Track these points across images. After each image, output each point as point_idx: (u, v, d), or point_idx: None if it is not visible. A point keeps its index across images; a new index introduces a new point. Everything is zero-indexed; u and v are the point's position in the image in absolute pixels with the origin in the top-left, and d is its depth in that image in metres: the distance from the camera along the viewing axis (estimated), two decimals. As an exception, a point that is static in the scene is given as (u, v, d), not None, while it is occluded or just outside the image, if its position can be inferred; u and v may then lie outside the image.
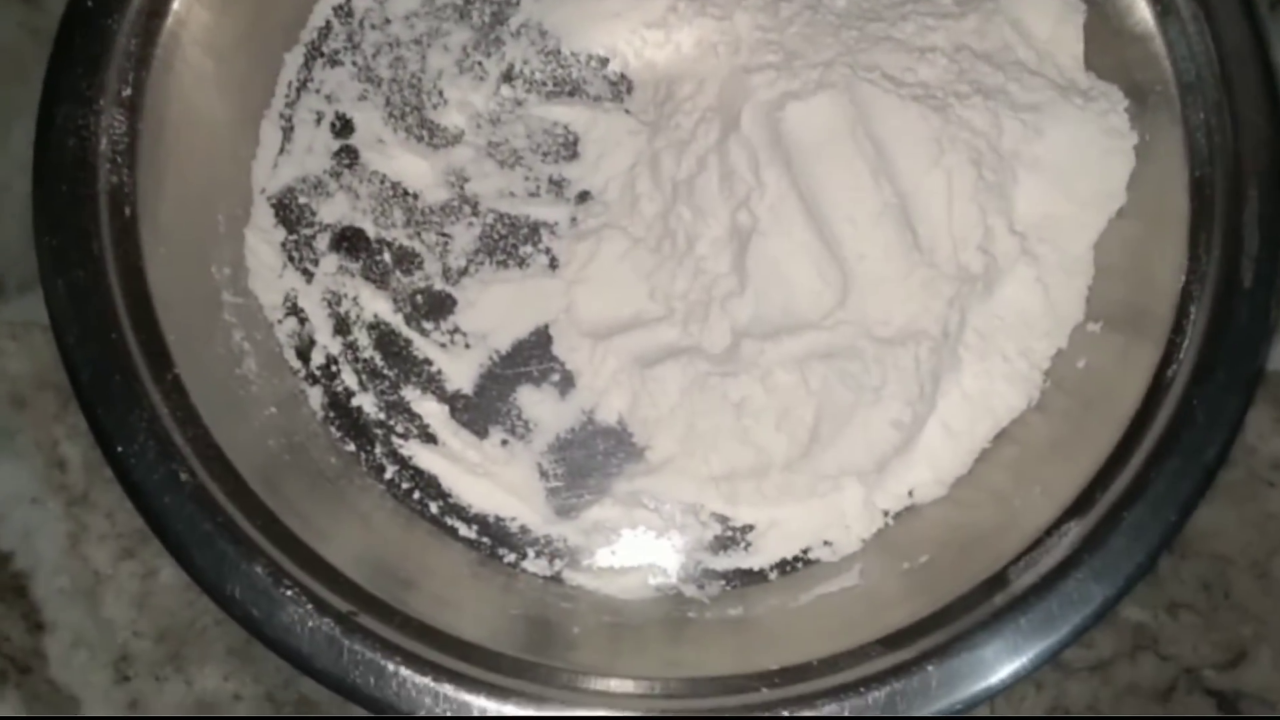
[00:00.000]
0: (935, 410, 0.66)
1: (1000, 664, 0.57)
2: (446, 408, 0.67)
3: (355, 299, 0.68)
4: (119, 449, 0.58)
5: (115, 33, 0.62)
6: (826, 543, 0.66)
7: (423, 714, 0.55)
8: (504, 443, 0.67)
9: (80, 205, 0.60)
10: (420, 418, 0.67)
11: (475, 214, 0.70)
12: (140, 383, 0.59)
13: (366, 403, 0.67)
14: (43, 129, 0.61)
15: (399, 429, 0.67)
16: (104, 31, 0.62)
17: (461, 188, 0.70)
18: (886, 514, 0.66)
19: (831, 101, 0.65)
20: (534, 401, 0.68)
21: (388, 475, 0.66)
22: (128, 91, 0.62)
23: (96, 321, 0.59)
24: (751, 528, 0.66)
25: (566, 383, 0.68)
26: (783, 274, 0.65)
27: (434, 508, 0.66)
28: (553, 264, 0.69)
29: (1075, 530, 0.59)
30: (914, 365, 0.64)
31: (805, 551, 0.66)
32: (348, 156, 0.70)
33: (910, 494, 0.66)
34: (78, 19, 0.62)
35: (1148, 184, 0.66)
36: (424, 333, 0.68)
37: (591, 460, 0.67)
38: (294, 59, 0.70)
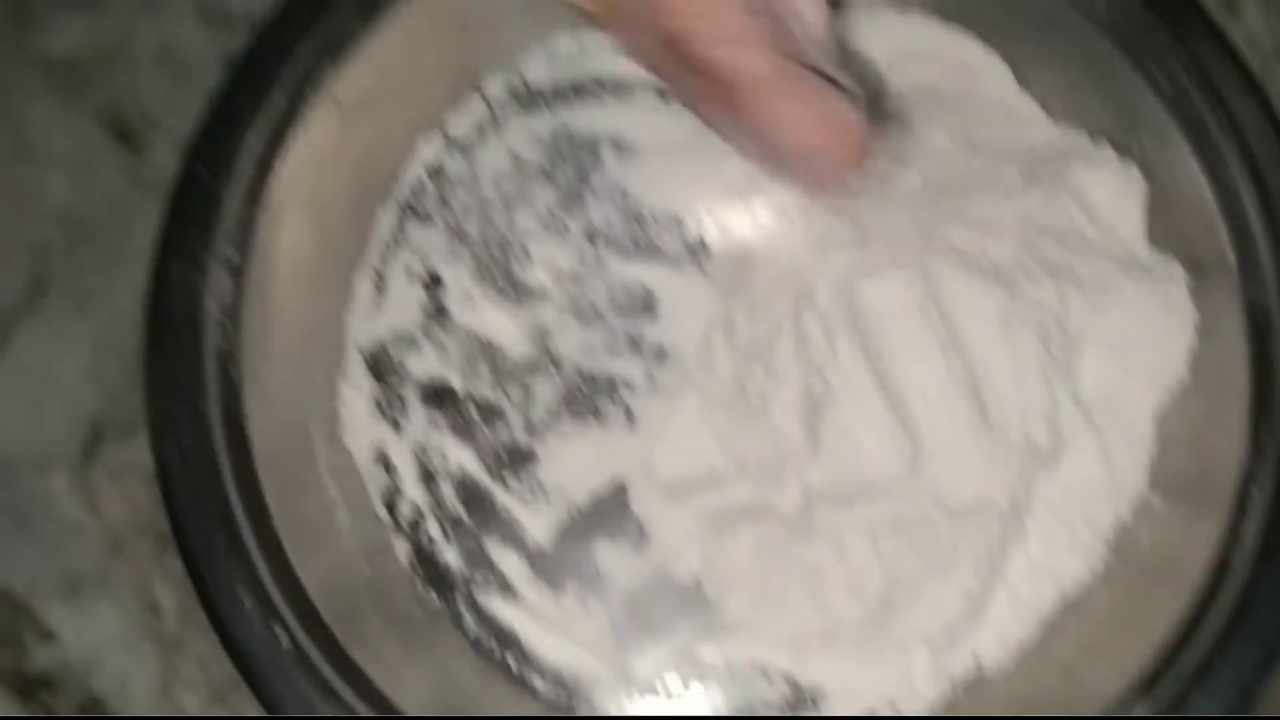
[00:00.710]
0: (1003, 579, 0.67)
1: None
2: (526, 561, 0.69)
3: (442, 451, 0.71)
4: (220, 607, 0.60)
5: (226, 197, 0.65)
6: (893, 706, 0.68)
7: None
8: (580, 598, 0.69)
9: (189, 365, 0.63)
10: (501, 571, 0.69)
11: (557, 369, 0.72)
12: (242, 543, 0.61)
13: (450, 555, 0.69)
14: (156, 288, 0.63)
15: (480, 581, 0.69)
16: (216, 196, 0.65)
17: (545, 343, 0.72)
18: (954, 681, 0.68)
19: (904, 279, 0.67)
20: (610, 557, 0.70)
21: (467, 626, 0.68)
22: (236, 256, 0.65)
23: (203, 482, 0.61)
24: (819, 688, 0.68)
25: (642, 539, 0.70)
26: (855, 441, 0.67)
27: (510, 659, 0.68)
28: (630, 420, 0.71)
29: (1141, 709, 0.61)
30: (983, 537, 0.66)
31: (870, 711, 0.68)
32: (437, 312, 0.72)
33: (978, 663, 0.68)
34: (192, 183, 0.65)
35: (1208, 360, 0.68)
36: (506, 486, 0.70)
37: (665, 617, 0.69)
38: (388, 215, 0.73)
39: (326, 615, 0.62)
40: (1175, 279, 0.70)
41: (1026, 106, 0.74)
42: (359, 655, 0.62)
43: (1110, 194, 0.71)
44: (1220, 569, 0.63)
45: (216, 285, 0.64)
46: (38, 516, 0.69)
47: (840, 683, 0.68)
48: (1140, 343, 0.69)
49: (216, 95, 0.65)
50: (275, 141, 0.66)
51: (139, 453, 0.63)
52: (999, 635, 0.68)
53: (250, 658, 0.60)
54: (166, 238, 0.63)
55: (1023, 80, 0.75)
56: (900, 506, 0.66)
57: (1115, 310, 0.68)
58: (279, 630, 0.60)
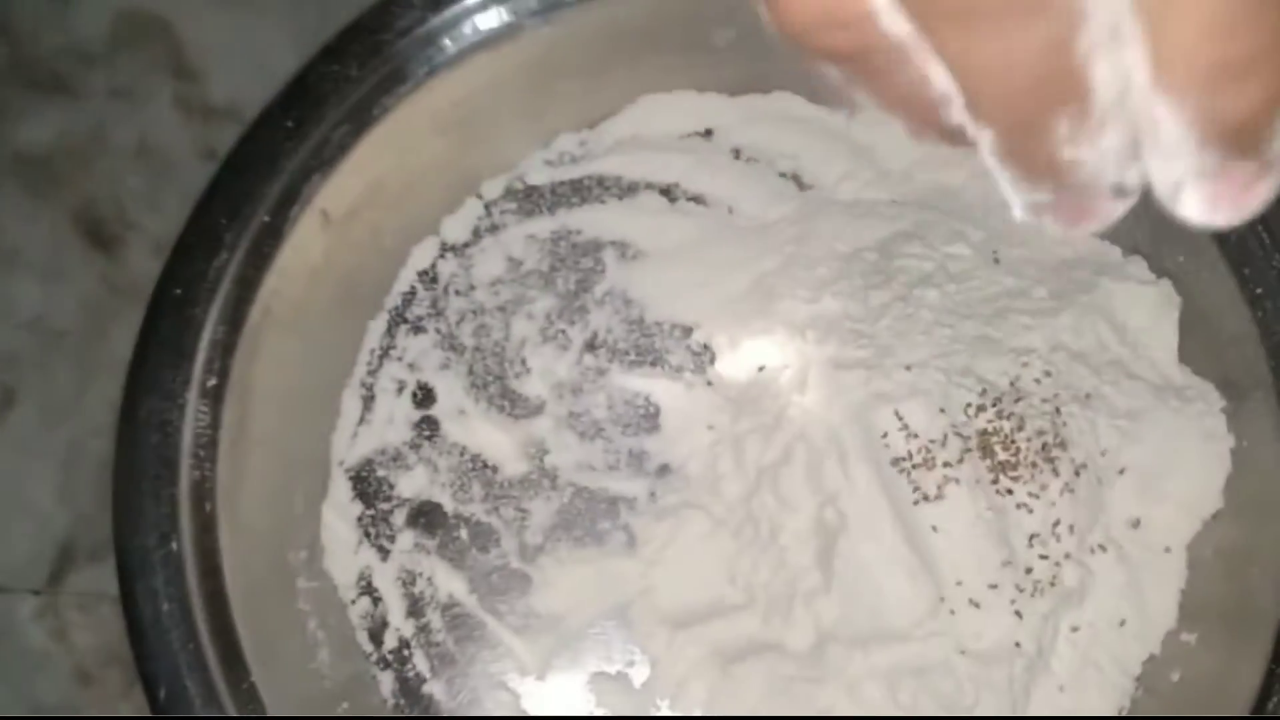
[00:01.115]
0: (1026, 723, 0.64)
1: None
2: (518, 697, 0.66)
3: (430, 578, 0.67)
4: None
5: (203, 321, 0.61)
6: None
7: None
8: (577, 735, 0.65)
9: (161, 505, 0.59)
10: (491, 708, 0.66)
11: (554, 488, 0.68)
12: (214, 689, 0.57)
13: (438, 690, 0.66)
14: (125, 425, 0.60)
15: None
16: (192, 321, 0.61)
17: (541, 460, 0.69)
18: (973, 828, 0.64)
19: (924, 407, 0.63)
20: (608, 690, 0.66)
21: (458, 770, 0.65)
22: (212, 381, 0.61)
23: (175, 632, 0.57)
24: (831, 837, 0.64)
25: (642, 670, 0.66)
26: (871, 578, 0.63)
27: (504, 805, 0.64)
28: (631, 542, 0.68)
29: None
30: (1008, 683, 0.62)
31: None
32: (428, 427, 0.69)
33: (997, 806, 0.64)
34: (165, 307, 0.61)
35: (1245, 488, 0.65)
36: (498, 615, 0.67)
37: (667, 756, 0.65)
38: (377, 326, 0.70)
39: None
40: (1210, 403, 0.66)
41: (1054, 217, 0.70)
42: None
43: (1143, 313, 0.67)
44: (1262, 707, 0.59)
45: (191, 415, 0.60)
46: (2, 645, 0.65)
47: (852, 832, 0.64)
48: (1174, 473, 0.65)
49: (193, 210, 0.61)
50: (257, 258, 0.62)
51: (109, 578, 0.59)
52: (1022, 780, 0.64)
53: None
54: (136, 370, 0.60)
55: (1051, 190, 0.71)
56: (919, 651, 0.62)
57: (1148, 439, 0.65)
58: (254, 788, 0.56)
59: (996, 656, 0.62)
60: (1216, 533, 0.65)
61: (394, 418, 0.69)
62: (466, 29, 0.64)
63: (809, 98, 0.73)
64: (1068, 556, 0.63)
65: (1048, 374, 0.64)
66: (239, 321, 0.62)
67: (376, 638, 0.66)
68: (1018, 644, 0.62)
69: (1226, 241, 0.65)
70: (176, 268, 0.61)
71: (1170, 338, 0.68)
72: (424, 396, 0.69)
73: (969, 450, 0.63)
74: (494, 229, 0.71)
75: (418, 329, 0.70)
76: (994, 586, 0.62)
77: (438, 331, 0.70)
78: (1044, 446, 0.63)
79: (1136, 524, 0.65)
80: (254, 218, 0.62)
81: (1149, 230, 0.68)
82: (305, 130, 0.63)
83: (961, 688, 0.62)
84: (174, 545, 0.58)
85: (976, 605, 0.62)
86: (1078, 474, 0.63)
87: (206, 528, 0.60)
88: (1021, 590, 0.62)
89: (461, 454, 0.69)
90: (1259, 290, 0.64)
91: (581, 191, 0.72)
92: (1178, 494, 0.65)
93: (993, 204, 0.70)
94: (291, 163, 0.63)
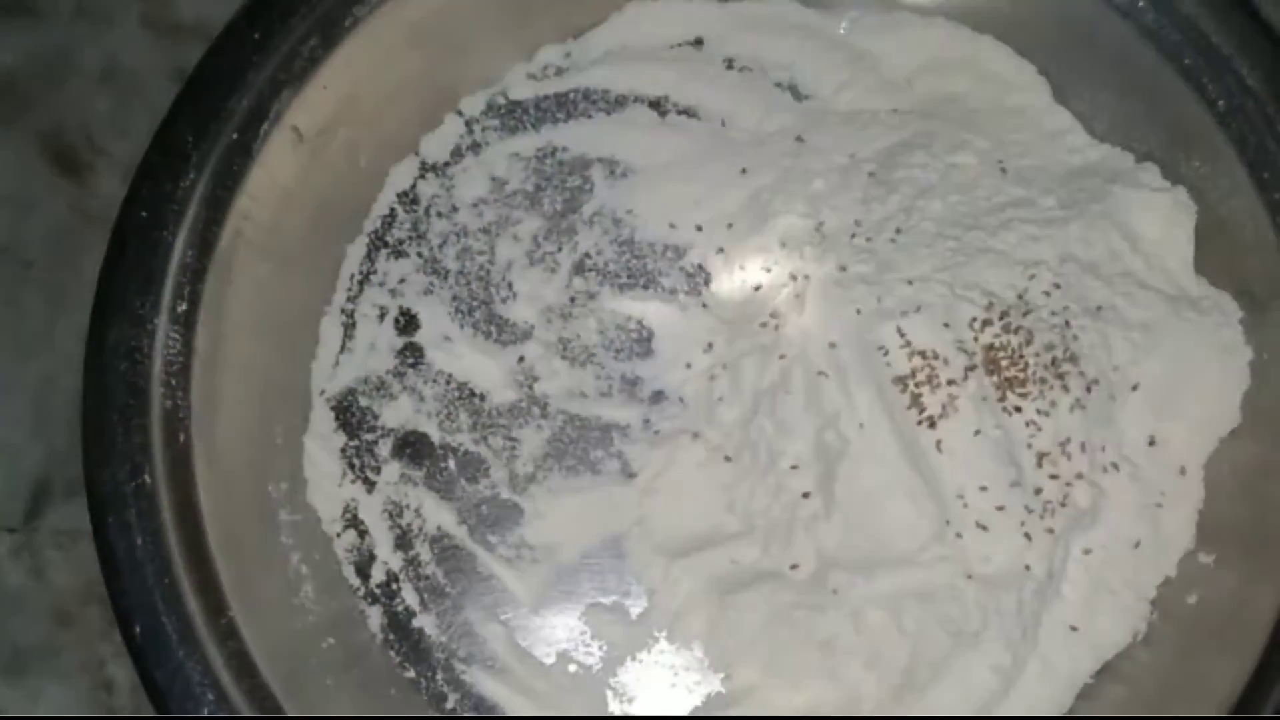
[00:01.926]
0: (1036, 649, 0.61)
1: None
2: (511, 630, 0.64)
3: (418, 510, 0.65)
4: (169, 700, 0.55)
5: (171, 245, 0.58)
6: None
7: None
8: (571, 669, 0.63)
9: (132, 436, 0.57)
10: (484, 640, 0.64)
11: (544, 416, 0.66)
12: (192, 627, 0.56)
13: (428, 624, 0.64)
14: (93, 354, 0.57)
15: (461, 653, 0.63)
16: (160, 244, 0.58)
17: (530, 387, 0.66)
18: (979, 755, 0.62)
19: (927, 323, 0.61)
20: (604, 623, 0.64)
21: (449, 705, 0.63)
22: (183, 306, 0.58)
23: (150, 569, 0.55)
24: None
25: (639, 601, 0.64)
26: (874, 502, 0.61)
27: (497, 740, 0.63)
28: (625, 471, 0.65)
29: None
30: (1016, 608, 0.60)
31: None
32: (412, 355, 0.66)
33: (1007, 734, 0.62)
34: (131, 231, 0.58)
35: (1264, 402, 0.62)
36: (489, 547, 0.64)
37: (665, 688, 0.63)
38: (357, 250, 0.67)
39: (287, 701, 0.56)
40: (1228, 314, 0.63)
41: (1065, 123, 0.67)
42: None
43: (1157, 222, 0.64)
44: (1280, 637, 0.57)
45: (162, 341, 0.58)
46: (-23, 586, 0.64)
47: (857, 759, 0.62)
48: (1190, 387, 0.62)
49: (158, 130, 0.58)
50: (226, 179, 0.59)
51: (86, 515, 0.57)
52: (1030, 707, 0.62)
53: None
54: (103, 293, 0.57)
55: (1061, 95, 0.68)
56: (925, 576, 0.60)
57: (1163, 353, 0.62)
58: (234, 726, 0.55)
59: (1005, 580, 0.60)
60: (1234, 449, 0.63)
61: (376, 345, 0.66)
62: (441, -67, 0.61)
63: (804, 2, 0.69)
64: (1079, 476, 0.61)
65: (1057, 286, 0.62)
66: (209, 245, 0.59)
67: (363, 572, 0.64)
68: (1027, 567, 0.60)
69: (1245, 145, 0.62)
70: (142, 190, 0.58)
71: (1185, 247, 0.65)
72: (407, 323, 0.66)
73: (974, 367, 0.60)
74: (476, 147, 0.68)
75: (399, 253, 0.67)
76: (1001, 508, 0.60)
77: (420, 255, 0.67)
78: (1053, 361, 0.61)
79: (1151, 442, 0.62)
80: (222, 136, 0.59)
81: (1163, 135, 0.65)
82: (273, 43, 0.60)
83: (969, 613, 0.59)
84: (146, 477, 0.56)
85: (984, 528, 0.60)
86: (1089, 390, 0.61)
87: (181, 460, 0.57)
88: (1031, 511, 0.60)
89: (447, 382, 0.66)
90: (1279, 195, 0.61)
91: (567, 106, 0.69)
92: (1194, 410, 0.63)
93: (1000, 111, 0.67)
94: (259, 78, 0.60)
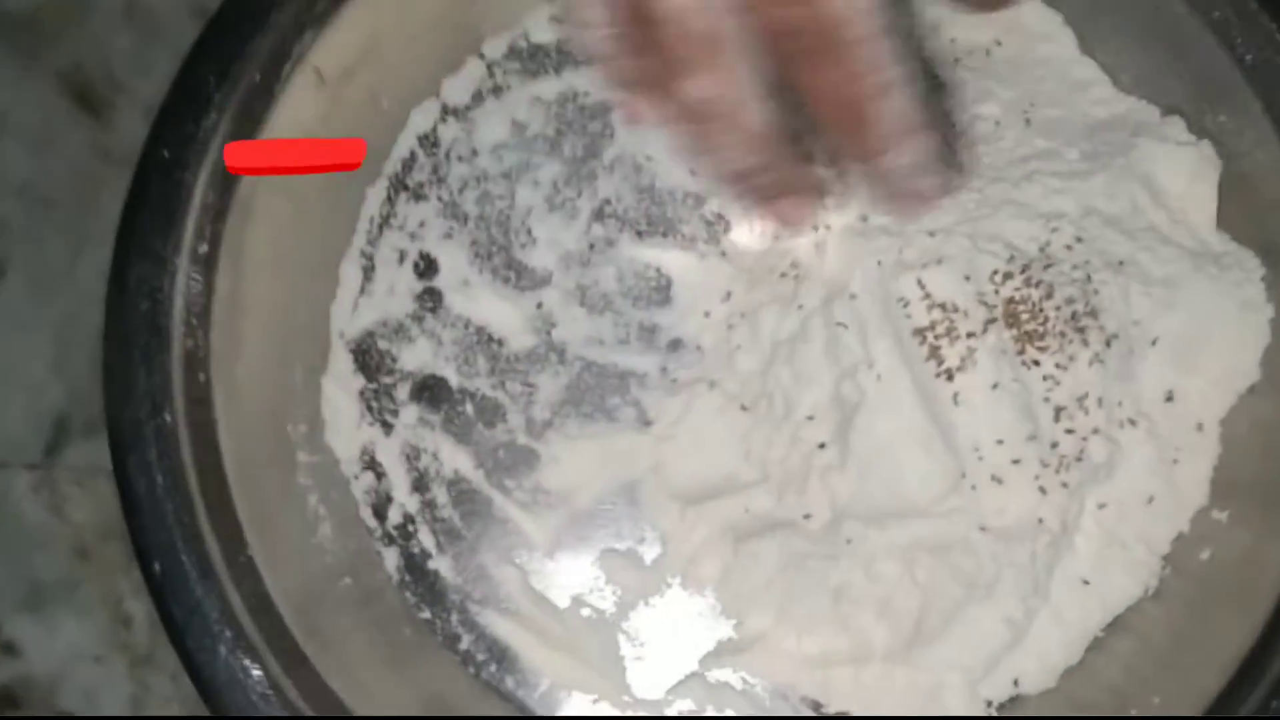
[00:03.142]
0: (1048, 601, 0.62)
1: None
2: (525, 573, 0.64)
3: (435, 453, 0.65)
4: (186, 636, 0.55)
5: (193, 185, 0.58)
6: (925, 733, 0.62)
7: None
8: (584, 613, 0.64)
9: (153, 376, 0.57)
10: (499, 583, 0.64)
11: (562, 362, 0.66)
12: (211, 565, 0.56)
13: (443, 566, 0.64)
14: (114, 292, 0.57)
15: (476, 595, 0.64)
16: (181, 184, 0.58)
17: (548, 334, 0.66)
18: (990, 704, 0.63)
19: (948, 275, 0.61)
20: (618, 568, 0.64)
21: (463, 646, 0.63)
22: (204, 247, 0.58)
23: (169, 505, 0.56)
24: (845, 715, 0.63)
25: (653, 549, 0.64)
26: (890, 454, 0.61)
27: (510, 682, 0.63)
28: (641, 418, 0.65)
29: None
30: (1030, 561, 0.60)
31: (899, 738, 0.63)
32: (431, 299, 0.66)
33: (1016, 683, 0.62)
34: (152, 170, 0.58)
35: (1284, 358, 0.62)
36: (505, 491, 0.65)
37: (677, 633, 0.64)
38: (376, 193, 0.67)
39: (303, 639, 0.57)
40: (1249, 271, 0.63)
41: (1091, 75, 0.67)
42: (338, 683, 0.57)
43: (1182, 176, 0.64)
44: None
45: (183, 282, 0.58)
46: (-1, 521, 0.64)
47: (866, 707, 0.63)
48: (1209, 343, 0.62)
49: (180, 69, 0.58)
50: (248, 120, 0.59)
51: (106, 452, 0.57)
52: (1040, 658, 0.62)
53: (218, 693, 0.55)
54: (124, 233, 0.57)
55: (1086, 46, 0.67)
56: (938, 528, 0.60)
57: (1183, 308, 0.61)
58: (250, 663, 0.55)
59: (1019, 533, 0.60)
60: (1252, 406, 0.62)
61: (395, 288, 0.66)
62: None
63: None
64: (1096, 431, 0.61)
65: (1079, 240, 0.61)
66: (230, 186, 0.59)
67: (380, 513, 0.64)
68: (1041, 520, 0.60)
69: (1272, 100, 0.61)
70: (164, 129, 0.58)
71: (1209, 202, 0.64)
72: (426, 267, 0.67)
73: (994, 320, 0.60)
74: (497, 90, 0.68)
75: (419, 196, 0.67)
76: (1017, 461, 0.60)
77: (439, 199, 0.67)
78: (1073, 315, 0.60)
79: (1169, 397, 0.62)
80: (244, 77, 0.59)
81: (1189, 88, 0.64)
82: (293, -19, 0.60)
83: (982, 565, 0.60)
84: (167, 416, 0.56)
85: (999, 481, 0.60)
86: (1108, 344, 0.61)
87: (201, 399, 0.58)
88: (1046, 465, 0.60)
89: (466, 327, 0.66)
90: (1306, 150, 0.61)
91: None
92: (1213, 366, 0.62)
93: (1025, 61, 0.67)
94: (282, 18, 0.59)
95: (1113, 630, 0.63)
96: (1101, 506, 0.62)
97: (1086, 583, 0.62)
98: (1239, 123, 0.63)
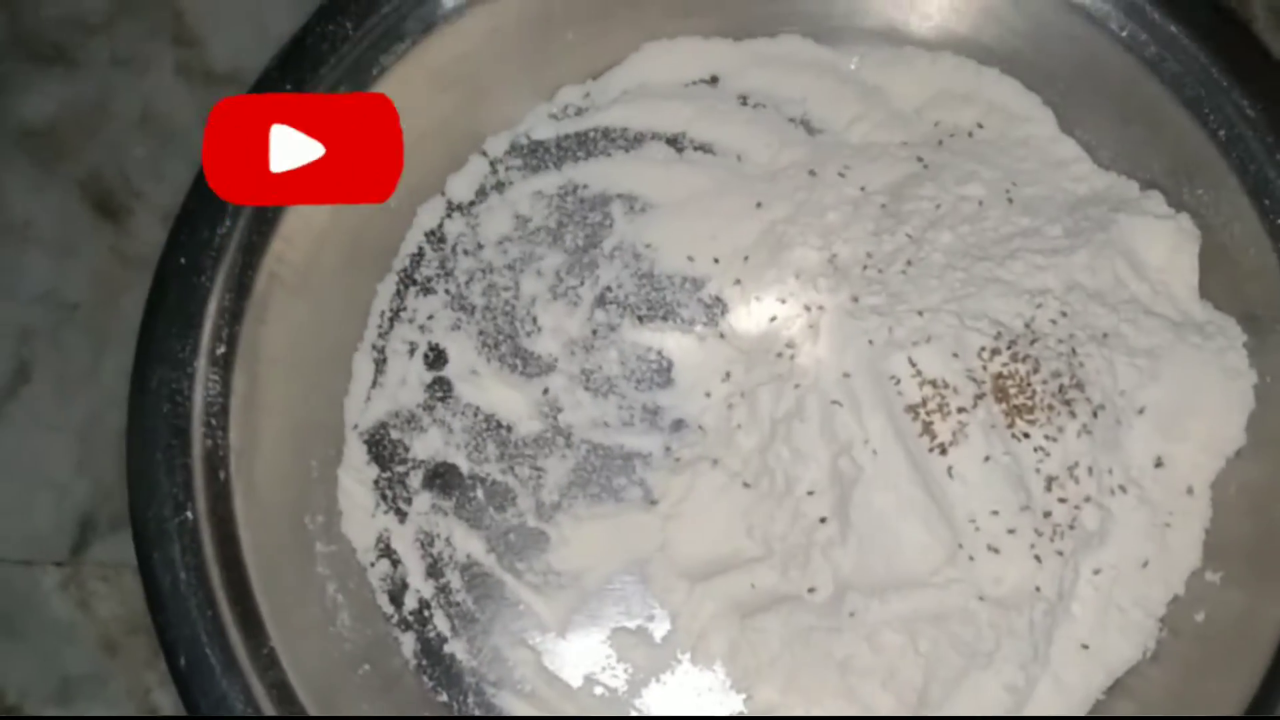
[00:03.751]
0: (1048, 667, 0.63)
1: None
2: (538, 654, 0.66)
3: (448, 539, 0.67)
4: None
5: (209, 290, 0.61)
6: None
7: None
8: (597, 691, 0.65)
9: (175, 475, 0.59)
10: (513, 665, 0.66)
11: (568, 445, 0.68)
12: (234, 657, 0.58)
13: (459, 649, 0.66)
14: (137, 394, 0.60)
15: (491, 677, 0.65)
16: (198, 289, 0.61)
17: (555, 418, 0.68)
18: (994, 771, 0.64)
19: (937, 353, 0.63)
20: (628, 646, 0.66)
21: (480, 726, 0.65)
22: (221, 349, 0.61)
23: (193, 601, 0.58)
24: (854, 786, 0.64)
25: (662, 624, 0.66)
26: (888, 527, 0.63)
27: (528, 762, 0.65)
28: (647, 497, 0.67)
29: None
30: (1028, 628, 0.61)
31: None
32: (441, 389, 0.68)
33: (1020, 751, 0.64)
34: (171, 276, 0.61)
35: (1269, 424, 0.64)
36: (517, 573, 0.67)
37: (688, 708, 0.65)
38: (386, 288, 0.69)
39: (326, 727, 0.59)
40: (1232, 338, 0.65)
41: (1071, 153, 0.69)
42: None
43: (1162, 249, 0.66)
44: (1286, 654, 0.58)
45: (202, 383, 0.60)
46: (28, 617, 0.66)
47: (875, 777, 0.64)
48: (1196, 410, 0.64)
49: (195, 179, 0.61)
50: (261, 224, 0.62)
51: (131, 548, 0.59)
52: (1043, 721, 0.64)
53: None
54: (144, 337, 0.60)
55: (1066, 125, 0.69)
56: (938, 599, 0.62)
57: (1168, 377, 0.63)
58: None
59: (1017, 602, 0.62)
60: (1240, 470, 0.64)
61: (406, 380, 0.68)
62: (462, -18, 0.63)
63: (816, 39, 0.71)
64: (1087, 499, 0.63)
65: (1063, 314, 0.63)
66: (245, 288, 0.62)
67: (397, 599, 0.66)
68: (1038, 588, 0.62)
69: (1246, 172, 0.64)
70: (181, 236, 0.61)
71: (1190, 273, 0.66)
72: (436, 358, 0.69)
73: (983, 395, 0.62)
74: (500, 186, 0.71)
75: (427, 290, 0.69)
76: (1012, 531, 0.61)
77: (447, 292, 0.69)
78: (1060, 389, 0.62)
79: (1158, 463, 0.64)
80: (256, 183, 0.61)
81: (1166, 163, 0.67)
82: (304, 92, 0.62)
83: (981, 634, 0.61)
84: (189, 514, 0.59)
85: (995, 551, 0.62)
86: (1095, 415, 0.62)
87: (221, 495, 0.60)
88: (1041, 534, 0.62)
89: (475, 414, 0.68)
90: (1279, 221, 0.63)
91: (587, 144, 0.71)
92: (1200, 432, 0.64)
93: (1007, 142, 0.69)
94: (292, 126, 0.62)
95: (1113, 694, 0.64)
96: (1097, 572, 0.63)
97: (1085, 647, 0.63)
98: (1216, 196, 0.65)
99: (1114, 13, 0.65)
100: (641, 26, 0.71)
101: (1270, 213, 0.63)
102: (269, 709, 0.57)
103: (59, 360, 0.69)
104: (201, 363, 0.60)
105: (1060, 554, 0.62)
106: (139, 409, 0.59)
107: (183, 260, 0.61)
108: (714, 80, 0.72)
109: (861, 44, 0.71)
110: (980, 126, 0.70)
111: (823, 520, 0.64)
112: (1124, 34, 0.65)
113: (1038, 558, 0.62)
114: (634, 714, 0.65)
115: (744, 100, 0.72)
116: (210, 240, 0.61)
